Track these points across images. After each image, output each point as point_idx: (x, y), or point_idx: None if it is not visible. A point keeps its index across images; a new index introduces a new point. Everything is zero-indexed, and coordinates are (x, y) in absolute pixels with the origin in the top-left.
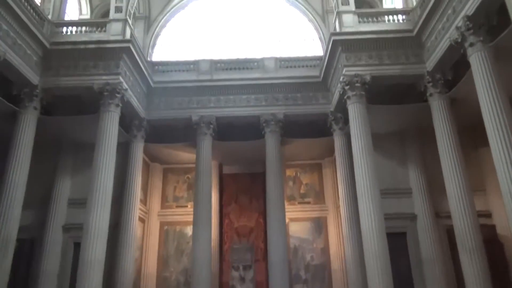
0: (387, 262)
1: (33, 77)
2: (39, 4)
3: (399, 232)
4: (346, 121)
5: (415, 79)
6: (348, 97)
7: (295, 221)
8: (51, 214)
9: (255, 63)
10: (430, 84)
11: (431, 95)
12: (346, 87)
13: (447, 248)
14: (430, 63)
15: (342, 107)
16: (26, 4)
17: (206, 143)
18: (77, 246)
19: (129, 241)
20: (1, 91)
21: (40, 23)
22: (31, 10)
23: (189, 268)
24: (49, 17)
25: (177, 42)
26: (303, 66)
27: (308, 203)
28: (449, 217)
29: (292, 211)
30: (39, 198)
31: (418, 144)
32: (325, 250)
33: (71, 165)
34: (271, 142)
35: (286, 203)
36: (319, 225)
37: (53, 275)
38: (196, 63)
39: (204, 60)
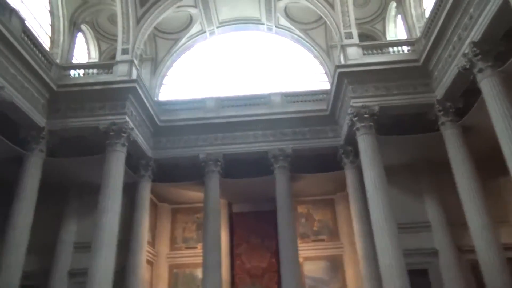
0: None
1: (40, 120)
2: (48, 49)
3: (420, 269)
4: (356, 154)
5: (424, 108)
6: (357, 129)
7: (309, 260)
8: (56, 259)
9: (262, 99)
10: (441, 112)
11: (442, 124)
12: (355, 119)
13: (473, 286)
14: (439, 92)
15: (351, 140)
16: (34, 49)
17: (214, 181)
18: None
19: (136, 286)
20: (8, 134)
21: (48, 67)
22: (39, 55)
23: None
24: (57, 61)
25: (183, 82)
26: (310, 101)
27: (322, 240)
28: (472, 251)
29: (305, 250)
30: (44, 243)
31: (433, 175)
32: None
33: (77, 208)
34: (280, 178)
35: (299, 241)
36: (335, 264)
37: None
38: (202, 101)
39: (210, 98)
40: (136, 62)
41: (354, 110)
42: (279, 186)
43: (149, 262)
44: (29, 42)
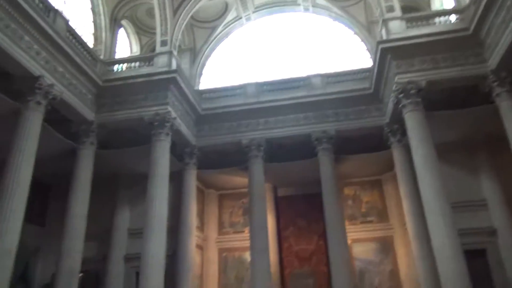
0: (466, 283)
1: (89, 114)
2: (91, 46)
3: (477, 249)
4: (403, 132)
5: (476, 80)
6: (404, 106)
7: (358, 242)
8: (113, 245)
9: (302, 82)
10: (496, 83)
11: (498, 95)
12: (400, 96)
13: None
14: (493, 61)
15: (398, 118)
16: (79, 47)
17: (258, 165)
18: (138, 275)
19: (187, 270)
20: (61, 130)
21: (93, 63)
22: (84, 52)
23: None
24: (101, 57)
25: (222, 69)
26: (351, 80)
27: (371, 222)
28: None
29: (354, 232)
30: (101, 230)
31: (489, 150)
32: (395, 272)
33: (129, 196)
34: (324, 160)
35: (346, 223)
36: (385, 245)
37: None
38: (242, 87)
39: (250, 84)
40: (175, 53)
41: (399, 86)
42: (324, 169)
43: (199, 247)
44: (74, 41)
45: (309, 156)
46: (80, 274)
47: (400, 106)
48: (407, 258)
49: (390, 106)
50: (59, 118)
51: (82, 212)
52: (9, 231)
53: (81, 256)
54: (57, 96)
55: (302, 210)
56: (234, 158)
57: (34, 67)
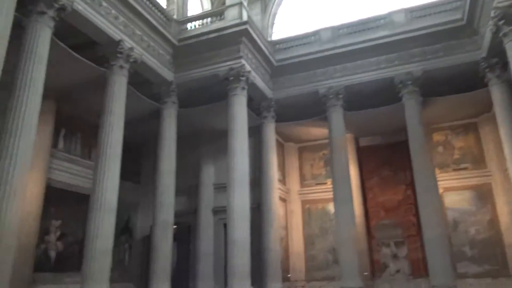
0: None
1: (168, 75)
2: (165, 7)
3: None
4: (504, 66)
5: None
6: (505, 35)
7: (450, 190)
8: (201, 199)
9: (382, 20)
10: None
11: None
12: (500, 23)
13: None
14: None
15: (497, 50)
16: (154, 9)
17: (337, 115)
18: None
19: (271, 221)
20: (145, 91)
21: (167, 24)
22: (159, 13)
23: (336, 246)
24: (174, 16)
25: (295, 17)
26: (440, 12)
27: (465, 169)
28: None
29: (445, 180)
30: (190, 185)
31: None
32: (494, 222)
33: (211, 152)
34: (410, 104)
35: (437, 172)
36: (482, 193)
37: (209, 255)
38: (317, 33)
39: (324, 29)
40: (245, 3)
41: (499, 11)
42: (409, 114)
43: (282, 199)
44: (148, 3)
45: (392, 101)
46: (174, 226)
47: (500, 35)
48: (508, 207)
49: (487, 37)
50: (142, 80)
51: (170, 168)
52: (109, 189)
53: (173, 209)
54: (138, 59)
55: (387, 160)
56: (312, 109)
57: (114, 32)
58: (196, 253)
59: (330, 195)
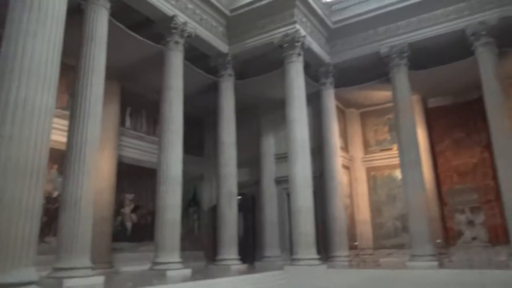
0: None
1: (222, 47)
2: None
3: None
4: None
5: None
6: None
7: None
8: (263, 170)
9: None
10: None
11: None
12: None
13: None
14: None
15: None
16: None
17: (401, 75)
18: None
19: (335, 189)
20: (202, 65)
21: None
22: None
23: (405, 213)
24: None
25: None
26: None
27: None
28: None
29: None
30: (251, 157)
31: None
32: None
33: (270, 123)
34: (485, 58)
35: None
36: None
37: (274, 224)
38: None
39: None
40: None
41: None
42: (484, 68)
43: (345, 167)
44: None
45: (463, 56)
46: (238, 197)
47: None
48: None
49: None
50: (198, 55)
51: (231, 140)
52: (173, 162)
53: (236, 180)
54: (192, 33)
55: (459, 121)
56: (373, 71)
57: (167, 8)
58: (261, 222)
59: (396, 161)
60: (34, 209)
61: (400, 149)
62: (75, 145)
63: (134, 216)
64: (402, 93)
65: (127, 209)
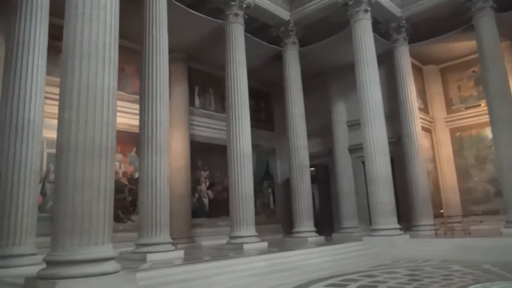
0: None
1: (284, 14)
2: None
3: None
4: None
5: None
6: None
7: None
8: (335, 139)
9: None
10: None
11: None
12: None
13: None
14: None
15: None
16: None
17: (487, 20)
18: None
19: (415, 154)
20: (264, 37)
21: None
22: None
23: (498, 176)
24: None
25: None
26: None
27: None
28: None
29: None
30: (322, 126)
31: None
32: None
33: (341, 89)
34: None
35: None
36: None
37: (350, 194)
38: None
39: None
40: None
41: None
42: None
43: (425, 129)
44: None
45: None
46: (312, 168)
47: None
48: None
49: None
50: (260, 26)
51: (299, 111)
52: (242, 136)
53: (308, 151)
54: (250, 3)
55: None
56: (452, 20)
57: None
58: (337, 193)
59: (485, 118)
60: (106, 189)
61: (490, 105)
62: (146, 127)
63: (210, 193)
64: (488, 40)
65: (203, 186)
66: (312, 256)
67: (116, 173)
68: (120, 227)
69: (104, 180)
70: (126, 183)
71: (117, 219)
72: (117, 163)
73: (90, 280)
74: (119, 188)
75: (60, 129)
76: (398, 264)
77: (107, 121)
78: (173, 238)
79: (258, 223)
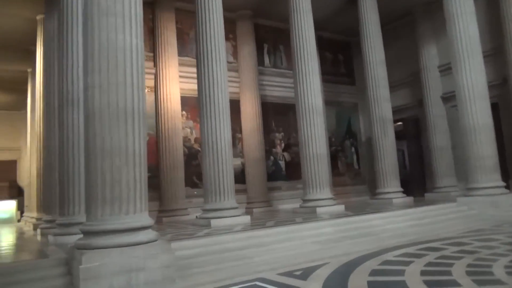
0: None
1: None
2: None
3: None
4: None
5: None
6: None
7: None
8: (426, 88)
9: None
10: None
11: None
12: None
13: None
14: None
15: None
16: None
17: None
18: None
19: None
20: None
21: None
22: None
23: None
24: None
25: None
26: None
27: None
28: None
29: None
30: (409, 75)
31: None
32: None
33: (431, 29)
34: None
35: None
36: None
37: (445, 149)
38: None
39: None
40: None
41: None
42: None
43: None
44: None
45: None
46: (399, 123)
47: None
48: None
49: None
50: None
51: (379, 58)
52: (311, 91)
53: (390, 103)
54: None
55: None
56: None
57: None
58: (429, 148)
59: None
60: (136, 154)
61: None
62: (204, 91)
63: (286, 155)
64: None
65: (278, 148)
66: (392, 221)
67: (188, 139)
68: (195, 192)
69: (132, 145)
70: (199, 149)
71: (192, 184)
72: (188, 130)
73: (122, 250)
74: (192, 155)
75: (85, 95)
76: (499, 230)
77: (131, 83)
78: (249, 203)
79: (342, 184)
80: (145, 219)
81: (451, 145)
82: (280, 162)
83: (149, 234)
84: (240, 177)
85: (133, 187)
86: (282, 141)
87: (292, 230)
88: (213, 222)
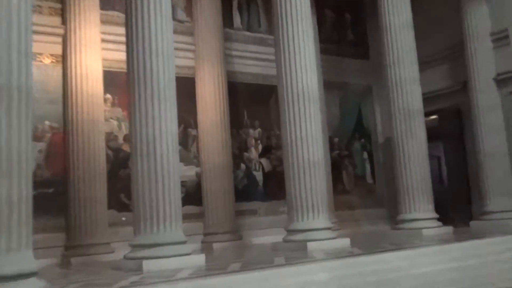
0: None
1: None
2: None
3: None
4: None
5: None
6: None
7: None
8: (471, 66)
9: None
10: None
11: None
12: None
13: None
14: None
15: None
16: None
17: None
18: None
19: None
20: None
21: None
22: None
23: None
24: None
25: None
26: None
27: None
28: None
29: None
30: (448, 47)
31: None
32: None
33: None
34: None
35: None
36: None
37: (500, 154)
38: None
39: None
40: None
41: None
42: None
43: None
44: None
45: None
46: (433, 116)
47: None
48: None
49: None
50: None
51: (405, 20)
52: (301, 66)
53: (420, 88)
54: None
55: None
56: None
57: None
58: (476, 154)
59: None
60: (13, 159)
61: None
62: (136, 60)
63: (265, 162)
64: None
65: (253, 153)
66: (421, 262)
67: (115, 137)
68: (124, 218)
69: (6, 144)
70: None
71: (119, 207)
72: (114, 122)
73: None
74: (120, 161)
75: None
76: None
77: (8, 42)
78: (207, 234)
79: (348, 207)
80: (27, 261)
81: (508, 149)
82: (255, 173)
83: (34, 286)
84: (193, 195)
85: (7, 212)
86: (259, 142)
87: (266, 278)
88: (146, 265)
